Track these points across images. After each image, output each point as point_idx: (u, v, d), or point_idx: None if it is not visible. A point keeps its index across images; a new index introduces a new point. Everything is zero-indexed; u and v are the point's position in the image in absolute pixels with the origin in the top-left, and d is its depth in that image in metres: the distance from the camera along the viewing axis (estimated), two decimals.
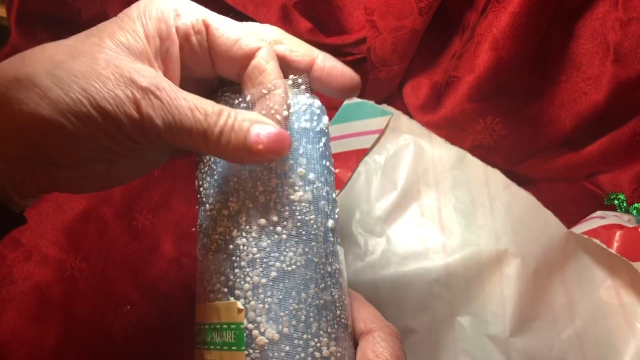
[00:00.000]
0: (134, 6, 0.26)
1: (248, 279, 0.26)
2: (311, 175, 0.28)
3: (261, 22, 0.53)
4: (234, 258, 0.27)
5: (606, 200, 0.49)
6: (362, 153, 0.47)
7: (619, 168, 0.50)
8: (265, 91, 0.27)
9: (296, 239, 0.27)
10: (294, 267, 0.26)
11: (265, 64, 0.27)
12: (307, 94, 0.29)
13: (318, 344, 0.26)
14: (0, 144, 0.23)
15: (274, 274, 0.26)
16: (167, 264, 0.49)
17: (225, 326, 0.26)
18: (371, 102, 0.47)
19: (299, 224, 0.27)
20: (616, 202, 0.47)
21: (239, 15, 0.54)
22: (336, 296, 0.27)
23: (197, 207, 0.30)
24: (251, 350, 0.25)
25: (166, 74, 0.26)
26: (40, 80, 0.22)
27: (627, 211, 0.46)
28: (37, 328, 0.46)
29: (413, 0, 0.47)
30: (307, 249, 0.27)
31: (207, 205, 0.29)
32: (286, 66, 0.29)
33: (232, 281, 0.26)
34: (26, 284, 0.47)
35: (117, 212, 0.51)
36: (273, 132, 0.25)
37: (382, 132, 0.47)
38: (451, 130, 0.49)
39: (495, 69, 0.45)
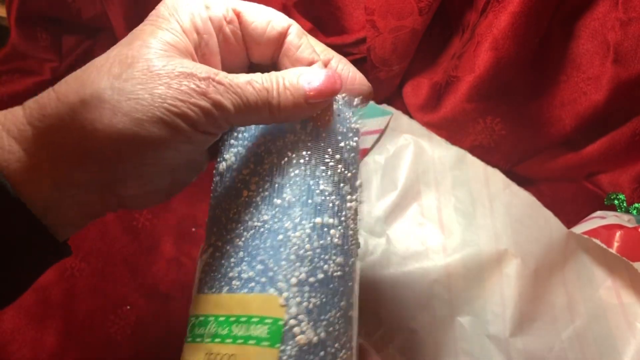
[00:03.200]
0: (161, 6, 0.25)
1: (297, 273, 0.25)
2: (358, 182, 0.28)
3: None
4: (282, 249, 0.25)
5: (606, 200, 0.49)
6: (362, 153, 0.47)
7: (619, 168, 0.50)
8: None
9: (344, 247, 0.26)
10: (338, 274, 0.26)
11: (299, 40, 0.27)
12: (356, 118, 0.29)
13: (344, 357, 0.25)
14: (73, 171, 0.23)
15: (321, 275, 0.25)
16: (167, 264, 0.49)
17: (256, 319, 0.24)
18: (371, 102, 0.47)
19: (350, 232, 0.27)
20: (616, 202, 0.47)
21: None
22: (356, 315, 0.27)
23: (214, 188, 0.29)
24: (288, 348, 0.23)
25: (209, 66, 0.26)
26: (107, 95, 0.22)
27: (627, 211, 0.46)
28: (37, 328, 0.46)
29: (413, 0, 0.47)
30: (346, 260, 0.26)
31: (246, 191, 0.27)
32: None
33: (274, 272, 0.25)
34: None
35: (117, 212, 0.51)
36: (322, 74, 0.26)
37: (382, 132, 0.47)
38: (451, 130, 0.49)
39: (495, 69, 0.45)
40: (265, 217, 0.26)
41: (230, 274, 0.26)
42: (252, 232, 0.26)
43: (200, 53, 0.26)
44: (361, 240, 0.44)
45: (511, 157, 0.50)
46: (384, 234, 0.44)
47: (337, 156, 0.27)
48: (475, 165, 0.44)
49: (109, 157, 0.23)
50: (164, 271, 0.49)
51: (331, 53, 0.30)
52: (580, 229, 0.43)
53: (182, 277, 0.48)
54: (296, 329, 0.24)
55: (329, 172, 0.27)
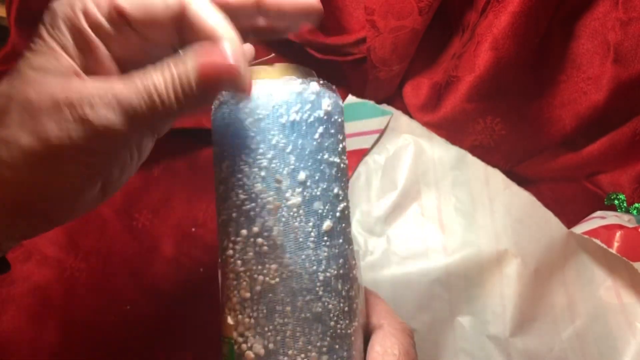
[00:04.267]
0: (40, 25, 0.24)
1: (235, 292, 0.25)
2: (302, 175, 0.25)
3: None
4: (225, 270, 0.26)
5: (606, 200, 0.49)
6: (362, 153, 0.47)
7: (619, 168, 0.50)
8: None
9: (280, 250, 0.25)
10: (277, 279, 0.25)
11: (202, 12, 0.24)
12: (300, 80, 0.26)
13: (309, 357, 0.25)
14: None
15: (258, 287, 0.25)
16: (167, 264, 0.49)
17: (223, 339, 0.26)
18: (371, 102, 0.47)
19: (283, 232, 0.25)
20: (616, 202, 0.47)
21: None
22: (330, 306, 0.25)
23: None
24: None
25: (102, 73, 0.24)
26: None
27: (627, 211, 0.46)
28: (37, 328, 0.46)
29: (413, 0, 0.47)
30: (292, 260, 0.25)
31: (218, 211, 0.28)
32: (234, 12, 0.26)
33: (225, 295, 0.26)
34: (26, 284, 0.47)
35: (117, 212, 0.51)
36: (206, 52, 0.23)
37: (382, 132, 0.47)
38: (451, 130, 0.49)
39: (495, 69, 0.45)
40: (220, 240, 0.27)
41: (221, 300, 0.27)
42: (220, 257, 0.27)
43: (89, 63, 0.24)
44: (361, 240, 0.44)
45: (511, 157, 0.50)
46: (384, 234, 0.44)
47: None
48: (475, 165, 0.44)
49: (10, 208, 0.23)
50: (164, 271, 0.49)
51: None
52: (580, 229, 0.43)
53: (182, 277, 0.48)
54: (243, 346, 0.25)
55: (252, 175, 0.26)
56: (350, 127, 0.47)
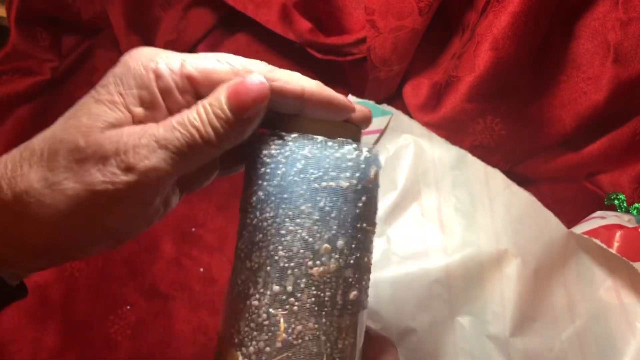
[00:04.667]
0: (110, 74, 0.24)
1: (254, 342, 0.25)
2: (340, 243, 0.25)
3: (261, 22, 0.53)
4: (246, 315, 0.26)
5: (606, 200, 0.49)
6: None
7: (619, 168, 0.50)
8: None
9: (308, 313, 0.25)
10: (300, 341, 0.25)
11: (268, 73, 0.25)
12: (354, 145, 0.26)
13: None
14: (11, 255, 0.24)
15: (278, 344, 0.25)
16: (167, 264, 0.49)
17: None
18: (371, 102, 0.47)
19: (313, 298, 0.25)
20: (616, 202, 0.47)
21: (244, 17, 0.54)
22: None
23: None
24: None
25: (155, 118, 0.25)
26: (36, 188, 0.22)
27: (627, 211, 0.46)
28: (37, 328, 0.46)
29: (413, 0, 0.47)
30: (317, 325, 0.25)
31: (238, 244, 0.27)
32: (283, 98, 0.26)
33: (241, 336, 0.26)
34: (26, 284, 0.47)
35: None
36: (238, 82, 0.24)
37: (382, 132, 0.47)
38: (451, 130, 0.49)
39: (495, 69, 0.45)
40: (242, 277, 0.27)
41: (226, 323, 0.27)
42: (236, 290, 0.27)
43: (145, 119, 0.24)
44: None
45: (511, 157, 0.50)
46: (384, 234, 0.44)
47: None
48: (475, 165, 0.44)
49: (40, 250, 0.24)
50: (164, 271, 0.49)
51: (307, 81, 0.27)
52: (580, 229, 0.43)
53: (182, 277, 0.48)
54: None
55: (292, 234, 0.25)
56: None
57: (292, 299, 0.25)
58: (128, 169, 0.22)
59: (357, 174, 0.26)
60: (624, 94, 0.46)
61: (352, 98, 0.47)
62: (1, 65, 0.57)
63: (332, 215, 0.25)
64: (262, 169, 0.26)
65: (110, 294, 0.47)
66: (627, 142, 0.48)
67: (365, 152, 0.26)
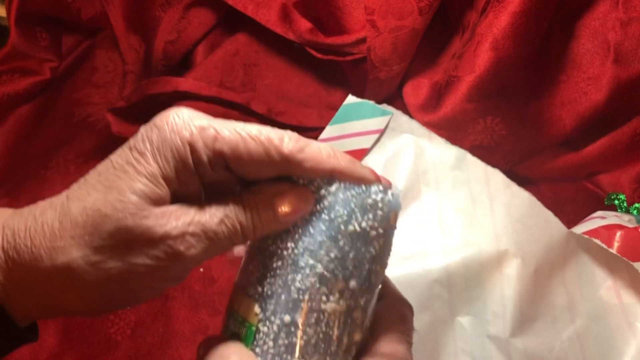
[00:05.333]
0: (145, 139, 0.24)
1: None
2: (353, 283, 0.26)
3: (261, 22, 0.53)
4: (250, 335, 0.26)
5: (606, 200, 0.49)
6: (362, 153, 0.47)
7: (619, 168, 0.50)
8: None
9: (313, 349, 0.25)
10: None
11: (298, 154, 0.25)
12: (381, 188, 0.26)
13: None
14: (37, 310, 0.24)
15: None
16: None
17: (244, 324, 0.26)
18: (371, 102, 0.47)
19: (321, 335, 0.25)
20: (616, 202, 0.47)
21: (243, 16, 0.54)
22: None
23: None
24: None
25: (189, 199, 0.25)
26: (78, 265, 0.23)
27: (627, 211, 0.46)
28: None
29: (413, 0, 0.47)
30: None
31: (248, 266, 0.28)
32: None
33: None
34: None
35: None
36: (294, 195, 0.25)
37: (382, 132, 0.47)
38: (451, 130, 0.49)
39: (495, 69, 0.45)
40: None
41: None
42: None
43: (182, 191, 0.25)
44: None
45: (511, 157, 0.50)
46: None
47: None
48: (476, 165, 0.44)
49: (71, 311, 0.24)
50: None
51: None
52: (580, 229, 0.43)
53: None
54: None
55: (308, 268, 0.26)
56: (350, 127, 0.47)
57: (299, 332, 0.25)
58: (175, 255, 0.23)
59: (379, 218, 0.26)
60: (624, 94, 0.46)
61: (352, 98, 0.47)
62: (1, 65, 0.57)
63: (351, 255, 0.25)
64: None
65: None
66: (627, 142, 0.48)
67: (389, 196, 0.26)
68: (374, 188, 0.26)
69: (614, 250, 0.39)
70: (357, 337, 0.26)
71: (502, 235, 0.41)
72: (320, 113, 0.53)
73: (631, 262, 0.37)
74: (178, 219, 0.23)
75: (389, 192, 0.27)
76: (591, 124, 0.48)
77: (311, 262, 0.25)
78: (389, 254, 0.28)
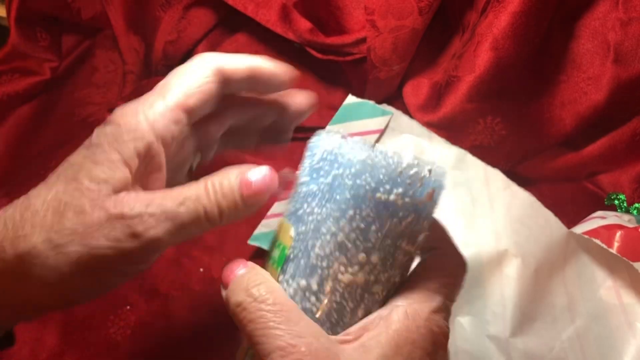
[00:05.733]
0: (100, 133, 0.25)
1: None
2: (375, 257, 0.24)
3: (261, 22, 0.53)
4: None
5: (606, 201, 0.49)
6: None
7: (619, 168, 0.50)
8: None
9: (325, 317, 0.24)
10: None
11: (278, 69, 0.28)
12: (416, 161, 0.25)
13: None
14: (13, 312, 0.25)
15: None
16: (167, 264, 0.49)
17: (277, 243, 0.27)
18: (371, 102, 0.47)
19: (335, 305, 0.24)
20: (616, 202, 0.47)
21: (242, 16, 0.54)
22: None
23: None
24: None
25: (151, 184, 0.26)
26: (39, 250, 0.23)
27: (627, 211, 0.46)
28: (37, 328, 0.46)
29: (413, 0, 0.47)
30: (330, 332, 0.24)
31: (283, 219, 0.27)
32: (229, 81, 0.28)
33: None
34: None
35: None
36: (258, 174, 0.25)
37: (382, 132, 0.47)
38: (451, 130, 0.49)
39: (495, 69, 0.45)
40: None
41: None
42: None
43: (143, 174, 0.25)
44: None
45: (511, 157, 0.50)
46: None
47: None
48: (475, 165, 0.44)
49: (43, 305, 0.25)
50: (164, 271, 0.49)
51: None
52: (580, 229, 0.43)
53: (182, 277, 0.48)
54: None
55: (329, 235, 0.25)
56: (350, 127, 0.47)
57: (313, 298, 0.25)
58: (133, 235, 0.23)
59: (411, 192, 0.24)
60: (624, 94, 0.46)
61: (352, 98, 0.47)
62: (1, 65, 0.57)
63: (373, 227, 0.24)
64: (320, 164, 0.26)
65: (109, 294, 0.47)
66: (627, 142, 0.48)
67: (425, 171, 0.25)
68: (407, 161, 0.25)
69: (614, 250, 0.39)
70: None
71: (502, 236, 0.41)
72: (320, 113, 0.53)
73: (631, 262, 0.37)
74: (137, 201, 0.23)
75: (426, 167, 0.25)
76: (591, 124, 0.48)
77: (333, 229, 0.24)
78: (423, 232, 0.26)
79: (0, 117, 0.56)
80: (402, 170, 0.24)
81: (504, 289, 0.40)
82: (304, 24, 0.52)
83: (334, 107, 0.48)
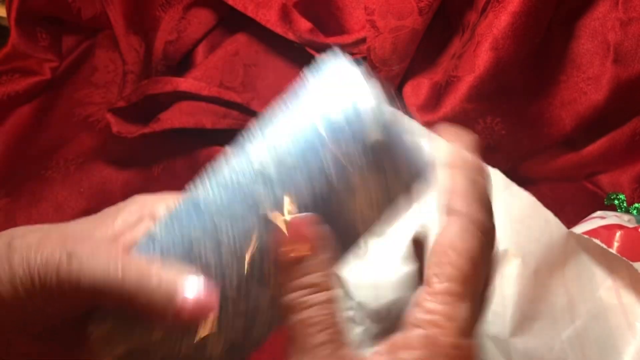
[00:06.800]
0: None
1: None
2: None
3: (261, 22, 0.53)
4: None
5: (606, 200, 0.49)
6: None
7: (619, 168, 0.50)
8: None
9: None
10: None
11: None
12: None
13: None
14: None
15: None
16: None
17: None
18: None
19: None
20: (616, 202, 0.47)
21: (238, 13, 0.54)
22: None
23: None
24: None
25: None
26: None
27: (627, 211, 0.46)
28: None
29: (413, 0, 0.47)
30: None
31: None
32: None
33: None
34: None
35: None
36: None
37: None
38: None
39: (495, 69, 0.45)
40: None
41: None
42: None
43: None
44: (361, 240, 0.44)
45: (511, 157, 0.50)
46: (383, 234, 0.44)
47: None
48: None
49: None
50: None
51: None
52: (580, 229, 0.43)
53: None
54: None
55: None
56: None
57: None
58: None
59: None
60: (624, 94, 0.46)
61: None
62: (1, 65, 0.57)
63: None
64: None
65: None
66: (627, 142, 0.48)
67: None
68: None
69: (613, 250, 0.39)
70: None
71: (502, 236, 0.41)
72: None
73: (631, 262, 0.37)
74: None
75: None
76: (591, 124, 0.48)
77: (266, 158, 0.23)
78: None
79: (0, 117, 0.56)
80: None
81: (504, 289, 0.40)
82: (304, 24, 0.52)
83: None
